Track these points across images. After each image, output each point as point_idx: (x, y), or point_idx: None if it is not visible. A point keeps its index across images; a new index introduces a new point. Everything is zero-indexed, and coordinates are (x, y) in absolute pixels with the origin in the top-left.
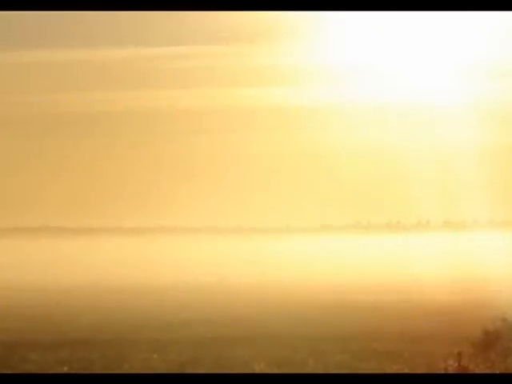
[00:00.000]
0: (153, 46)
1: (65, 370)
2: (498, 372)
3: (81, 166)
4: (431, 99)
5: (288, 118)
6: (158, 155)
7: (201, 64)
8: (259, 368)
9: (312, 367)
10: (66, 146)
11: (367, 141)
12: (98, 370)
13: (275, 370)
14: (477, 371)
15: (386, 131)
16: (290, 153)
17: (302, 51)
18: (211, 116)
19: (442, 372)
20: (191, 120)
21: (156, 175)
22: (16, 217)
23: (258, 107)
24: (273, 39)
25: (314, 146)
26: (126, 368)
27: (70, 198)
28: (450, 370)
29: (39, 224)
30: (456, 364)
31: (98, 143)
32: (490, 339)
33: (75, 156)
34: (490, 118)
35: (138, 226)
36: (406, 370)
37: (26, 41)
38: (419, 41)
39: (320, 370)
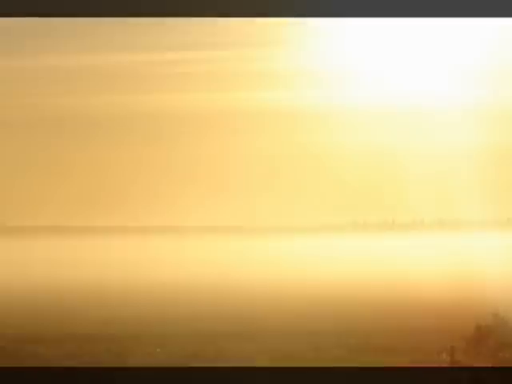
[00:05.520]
0: (155, 51)
1: (72, 363)
2: (489, 366)
3: (87, 167)
4: (426, 101)
5: (288, 121)
6: (162, 157)
7: (203, 68)
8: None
9: (311, 361)
10: (73, 148)
11: (364, 142)
12: (103, 363)
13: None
14: (469, 365)
15: (383, 133)
16: (289, 154)
17: (301, 55)
18: (214, 119)
19: (436, 365)
20: (194, 123)
21: (160, 177)
22: (25, 216)
23: (258, 110)
24: (273, 44)
25: (312, 147)
26: (131, 362)
27: (77, 198)
28: (444, 364)
29: (47, 223)
30: (449, 358)
31: (105, 146)
32: (481, 334)
33: (82, 158)
34: (484, 119)
35: (142, 226)
36: (403, 363)
37: (31, 46)
38: (417, 45)
39: (319, 364)
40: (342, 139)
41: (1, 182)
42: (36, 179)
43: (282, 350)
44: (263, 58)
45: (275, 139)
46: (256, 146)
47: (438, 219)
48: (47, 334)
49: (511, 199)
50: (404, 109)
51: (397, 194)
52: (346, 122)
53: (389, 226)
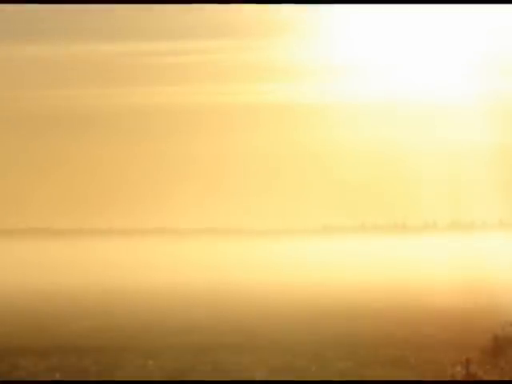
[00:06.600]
0: (150, 40)
1: (57, 377)
2: (507, 379)
3: (80, 167)
4: (440, 98)
5: (287, 117)
6: (154, 154)
7: (199, 59)
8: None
9: (314, 373)
10: (65, 147)
11: (372, 140)
12: (91, 377)
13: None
14: (485, 378)
15: (392, 130)
16: (291, 152)
17: (302, 47)
18: (210, 114)
19: (450, 379)
20: (190, 120)
21: (153, 175)
22: (14, 218)
23: (257, 106)
24: (273, 34)
25: (316, 144)
26: (120, 375)
27: (70, 199)
28: (458, 377)
29: (37, 225)
30: (464, 371)
31: (92, 141)
32: (499, 345)
33: (74, 157)
34: (500, 117)
35: (137, 228)
36: (413, 377)
37: (18, 35)
38: (422, 38)
39: (322, 377)
40: (348, 136)
41: None
42: (16, 179)
43: (282, 352)
44: (261, 52)
45: (274, 136)
46: (255, 143)
47: (451, 221)
48: (29, 344)
49: None
50: (417, 105)
51: (407, 195)
52: (353, 118)
53: (390, 228)
